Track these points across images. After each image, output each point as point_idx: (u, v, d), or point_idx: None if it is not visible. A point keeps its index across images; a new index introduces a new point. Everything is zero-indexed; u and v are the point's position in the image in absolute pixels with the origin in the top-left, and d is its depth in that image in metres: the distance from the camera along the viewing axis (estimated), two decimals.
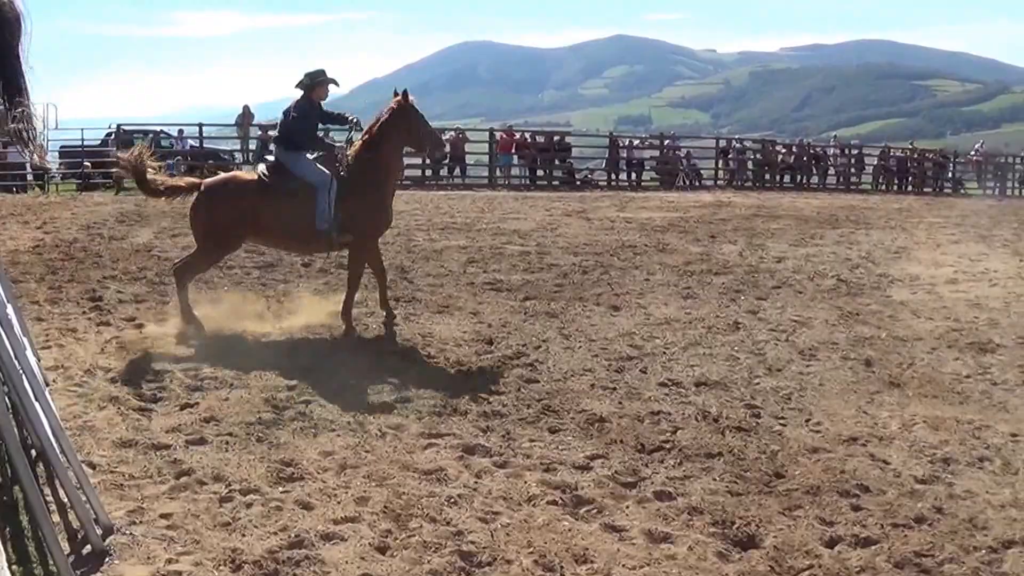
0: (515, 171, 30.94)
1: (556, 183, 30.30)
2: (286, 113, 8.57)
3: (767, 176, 34.17)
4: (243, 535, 4.74)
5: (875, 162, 37.61)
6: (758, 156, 35.21)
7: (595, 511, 5.27)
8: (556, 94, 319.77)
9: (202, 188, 8.55)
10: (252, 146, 27.93)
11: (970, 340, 9.74)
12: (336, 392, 7.06)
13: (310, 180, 8.39)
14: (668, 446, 6.32)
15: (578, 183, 30.72)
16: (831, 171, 36.24)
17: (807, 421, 7.01)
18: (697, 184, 32.17)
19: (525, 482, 5.60)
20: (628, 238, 16.46)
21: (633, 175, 32.15)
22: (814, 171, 35.45)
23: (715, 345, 9.11)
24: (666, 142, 34.36)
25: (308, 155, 8.49)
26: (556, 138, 32.79)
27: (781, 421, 6.99)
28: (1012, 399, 7.72)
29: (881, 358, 8.87)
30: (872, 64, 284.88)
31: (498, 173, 30.27)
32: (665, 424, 6.79)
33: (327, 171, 8.44)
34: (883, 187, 36.06)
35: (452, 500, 5.23)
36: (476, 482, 5.53)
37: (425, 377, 7.58)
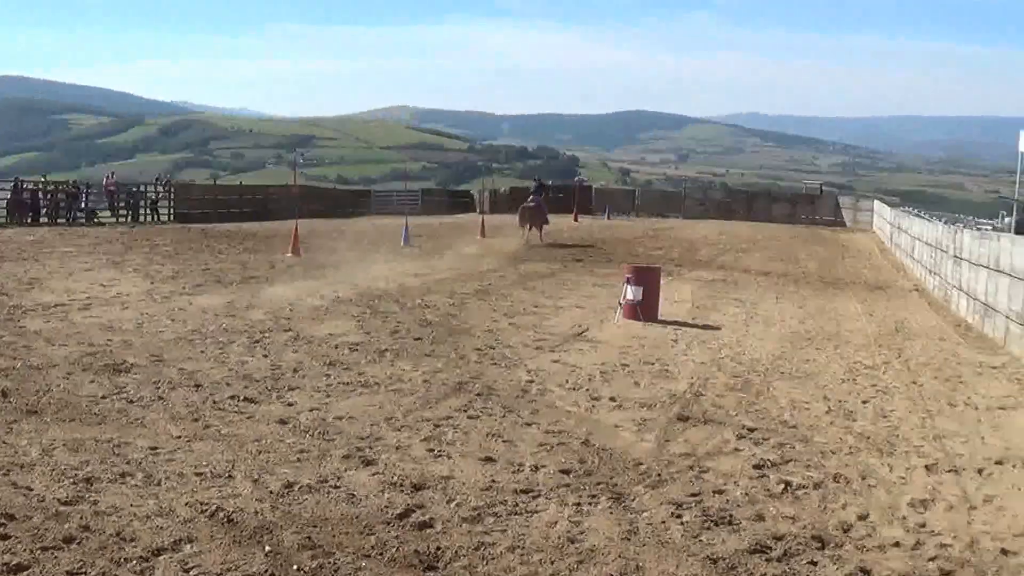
0: None
1: None
2: (539, 181, 37.45)
3: None
4: None
5: (8, 196, 37.24)
6: None
7: None
8: None
9: (529, 205, 31.99)
10: None
11: (105, 362, 10.39)
12: None
13: (542, 206, 33.10)
14: None
15: None
16: None
17: None
18: None
19: None
20: None
21: None
22: None
23: None
24: None
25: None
26: None
27: None
28: (149, 415, 8.42)
29: (18, 387, 9.07)
30: (7, 99, 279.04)
31: None
32: None
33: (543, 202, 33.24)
34: (17, 220, 35.69)
35: None
36: None
37: None
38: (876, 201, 51.23)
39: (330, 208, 50.79)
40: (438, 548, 5.78)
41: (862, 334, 15.16)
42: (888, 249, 35.75)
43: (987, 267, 16.21)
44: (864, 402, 10.23)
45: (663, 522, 6.39)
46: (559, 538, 6.04)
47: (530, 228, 32.11)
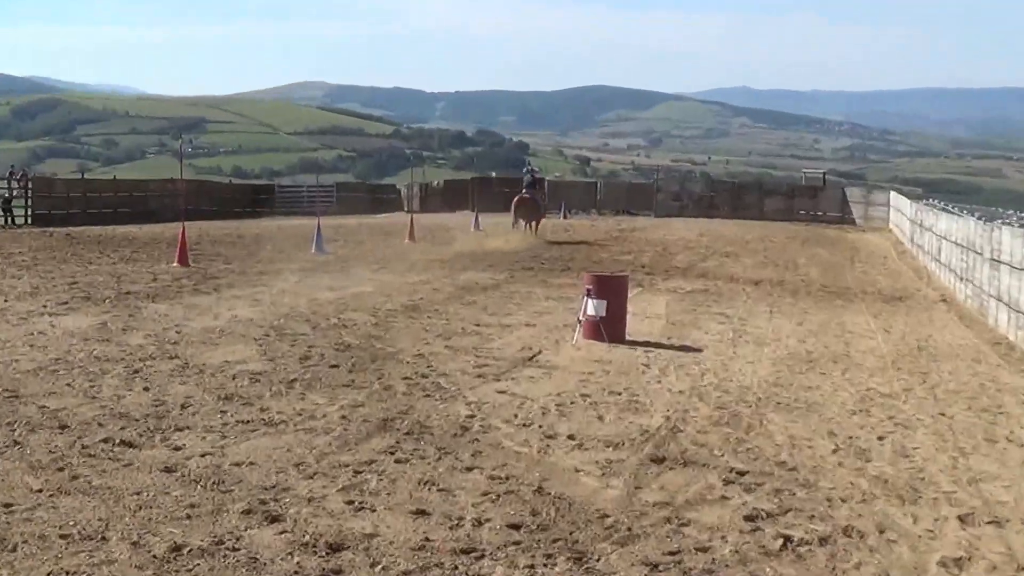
0: None
1: None
2: (532, 174, 40.03)
3: None
4: None
5: None
6: None
7: None
8: None
9: (525, 198, 37.62)
10: None
11: None
12: None
13: (538, 200, 38.84)
14: None
15: None
16: None
17: None
18: None
19: None
20: None
21: None
22: None
23: None
24: None
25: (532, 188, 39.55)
26: None
27: None
28: (2, 464, 8.33)
29: None
30: None
31: None
32: None
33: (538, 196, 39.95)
34: None
35: None
36: None
37: None
38: (892, 193, 51.74)
39: (225, 207, 50.52)
40: None
41: (877, 355, 15.34)
42: (908, 251, 36.26)
43: None
44: (880, 438, 10.33)
45: None
46: None
47: (525, 225, 36.61)
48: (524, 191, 37.89)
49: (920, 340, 16.99)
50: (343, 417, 10.26)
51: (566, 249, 32.24)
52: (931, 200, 42.14)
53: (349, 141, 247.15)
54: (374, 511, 7.54)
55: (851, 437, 10.30)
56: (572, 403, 11.32)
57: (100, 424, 9.63)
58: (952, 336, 17.83)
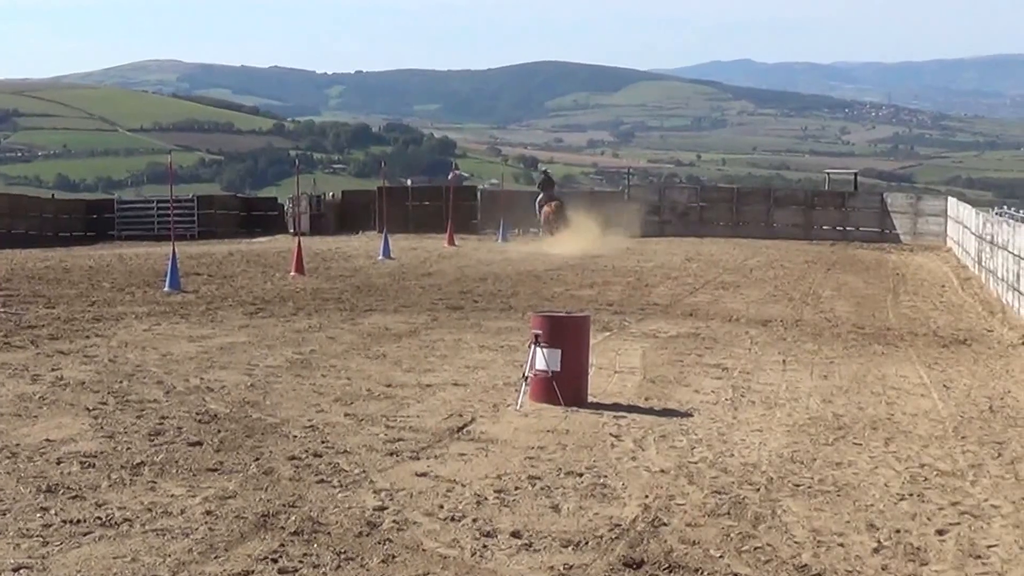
0: None
1: None
2: (545, 173, 64.86)
3: None
4: None
5: None
6: None
7: None
8: None
9: (555, 206, 54.58)
10: None
11: None
12: None
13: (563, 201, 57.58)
14: None
15: None
16: None
17: None
18: None
19: None
20: None
21: None
22: None
23: None
24: None
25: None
26: None
27: None
28: None
29: None
30: None
31: None
32: None
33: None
34: None
35: None
36: None
37: None
38: (951, 199, 51.95)
39: (47, 230, 50.19)
40: None
41: (932, 419, 15.39)
42: (973, 277, 36.50)
43: None
44: (940, 533, 10.36)
45: None
46: None
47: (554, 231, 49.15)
48: (541, 197, 52.81)
49: (992, 398, 17.04)
50: (208, 513, 10.22)
51: (506, 281, 32.24)
52: (1007, 209, 41.98)
53: (214, 140, 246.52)
54: None
55: (899, 531, 10.35)
56: (517, 488, 11.35)
57: None
58: None
